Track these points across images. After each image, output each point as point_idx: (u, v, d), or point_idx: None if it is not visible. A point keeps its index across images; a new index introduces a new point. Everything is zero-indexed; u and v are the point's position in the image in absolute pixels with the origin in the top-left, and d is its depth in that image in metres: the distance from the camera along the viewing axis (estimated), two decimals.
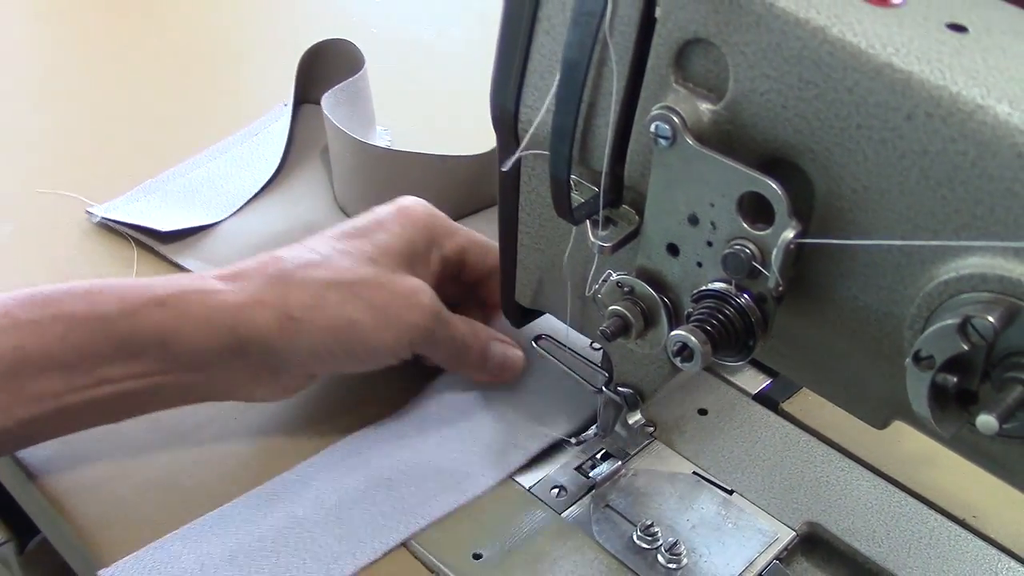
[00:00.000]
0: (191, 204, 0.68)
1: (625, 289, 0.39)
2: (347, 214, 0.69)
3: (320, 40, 0.74)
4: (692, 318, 0.36)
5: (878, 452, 0.54)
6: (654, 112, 0.35)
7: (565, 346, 0.49)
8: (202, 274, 0.49)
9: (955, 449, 0.35)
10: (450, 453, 0.51)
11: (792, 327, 0.37)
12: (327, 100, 0.69)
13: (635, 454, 0.53)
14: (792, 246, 0.33)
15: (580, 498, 0.51)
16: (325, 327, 0.47)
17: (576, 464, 0.53)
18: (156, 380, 0.46)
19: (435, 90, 0.85)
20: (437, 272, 0.53)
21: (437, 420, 0.53)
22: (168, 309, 0.45)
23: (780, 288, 0.34)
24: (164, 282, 0.48)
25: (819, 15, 0.33)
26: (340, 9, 0.96)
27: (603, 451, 0.53)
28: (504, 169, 0.41)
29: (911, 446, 0.53)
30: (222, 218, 0.67)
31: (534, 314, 0.50)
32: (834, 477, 0.53)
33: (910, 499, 0.51)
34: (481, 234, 0.56)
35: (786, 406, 0.57)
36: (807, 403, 0.56)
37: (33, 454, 0.51)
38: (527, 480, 0.52)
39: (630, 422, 0.51)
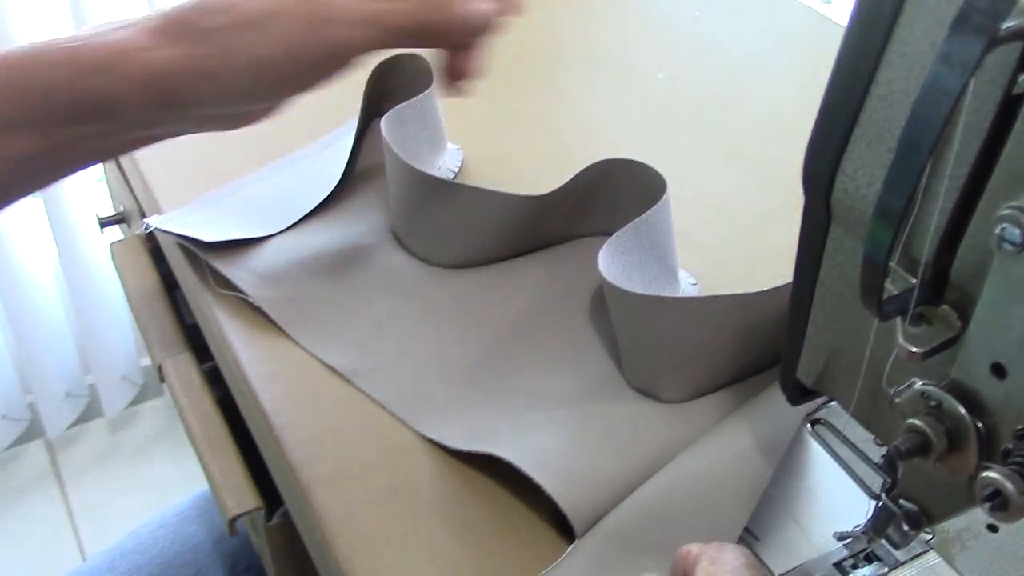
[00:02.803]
0: (247, 217, 0.66)
1: (931, 403, 0.34)
2: (399, 240, 0.65)
3: (392, 55, 0.69)
4: (1011, 458, 0.30)
5: None
6: (1004, 211, 0.30)
7: (844, 437, 0.44)
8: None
9: None
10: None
11: None
12: (388, 120, 0.65)
13: (905, 562, 0.47)
14: None
15: None
16: (239, 71, 0.43)
17: (836, 560, 0.47)
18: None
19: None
20: None
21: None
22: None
23: None
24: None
25: None
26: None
27: (868, 551, 0.48)
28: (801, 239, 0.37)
29: None
30: (274, 232, 0.65)
31: (814, 393, 0.45)
32: None
33: None
34: None
35: None
36: None
37: (294, 439, 0.53)
38: (778, 566, 0.47)
39: (905, 527, 0.45)
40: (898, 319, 0.34)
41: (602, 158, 0.62)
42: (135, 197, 0.77)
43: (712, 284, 0.63)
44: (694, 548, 0.42)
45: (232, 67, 0.42)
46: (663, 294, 0.58)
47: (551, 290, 0.62)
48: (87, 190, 1.42)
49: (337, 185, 0.69)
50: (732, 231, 0.68)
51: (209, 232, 0.63)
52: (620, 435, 0.52)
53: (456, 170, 0.71)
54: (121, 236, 0.89)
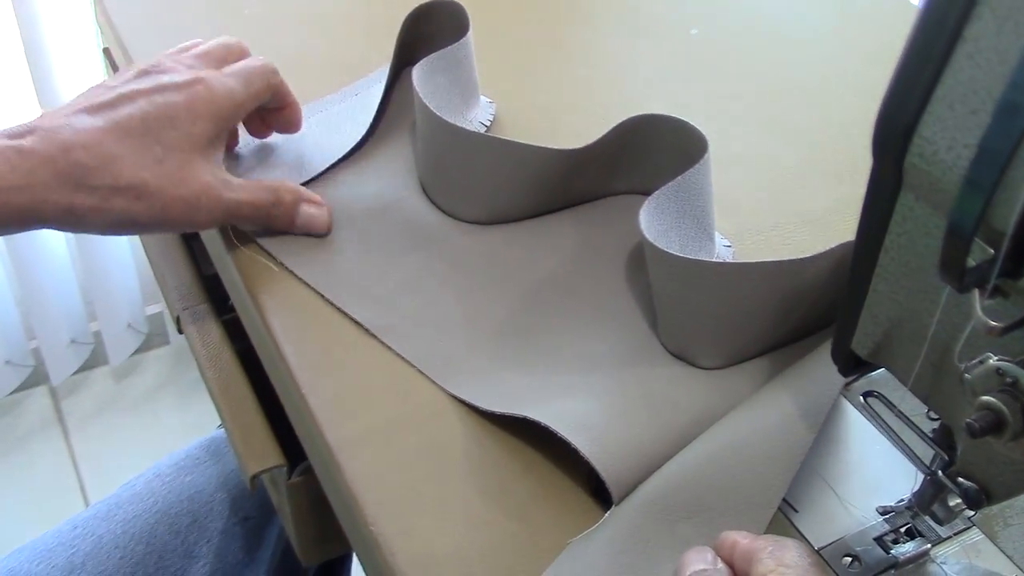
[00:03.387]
0: (272, 165, 0.64)
1: (1007, 379, 0.32)
2: (428, 195, 0.63)
3: (427, 2, 0.67)
4: None
5: None
6: None
7: (900, 411, 0.42)
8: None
9: None
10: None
11: None
12: (419, 70, 0.63)
13: (948, 538, 0.46)
14: None
15: None
16: (108, 224, 0.52)
17: (877, 534, 0.46)
18: None
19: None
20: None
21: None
22: None
23: None
24: None
25: None
26: None
27: (910, 526, 0.47)
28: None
29: None
30: (300, 182, 0.62)
31: (866, 365, 0.43)
32: None
33: None
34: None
35: None
36: None
37: (321, 397, 0.51)
38: (817, 539, 0.46)
39: (950, 503, 0.44)
40: (977, 297, 0.33)
41: (626, 113, 0.60)
42: None
43: (745, 249, 0.61)
44: (740, 539, 0.40)
45: (103, 220, 0.52)
46: (700, 256, 0.56)
47: (584, 248, 0.61)
48: None
49: (366, 134, 0.66)
50: (766, 195, 0.66)
51: None
52: (657, 401, 0.51)
53: (488, 124, 0.68)
54: None
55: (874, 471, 0.49)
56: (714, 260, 0.55)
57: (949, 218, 0.31)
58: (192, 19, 0.79)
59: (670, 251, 0.51)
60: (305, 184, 0.62)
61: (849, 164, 0.69)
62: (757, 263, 0.50)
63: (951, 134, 0.33)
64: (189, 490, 0.71)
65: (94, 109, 0.52)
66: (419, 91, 0.61)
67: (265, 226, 0.58)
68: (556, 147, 0.59)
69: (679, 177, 0.55)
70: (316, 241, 0.59)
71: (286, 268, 0.58)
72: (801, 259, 0.50)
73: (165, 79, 0.54)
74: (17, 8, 1.26)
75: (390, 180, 0.64)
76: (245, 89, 0.57)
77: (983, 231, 0.33)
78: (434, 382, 0.53)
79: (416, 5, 0.67)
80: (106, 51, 0.86)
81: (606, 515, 0.46)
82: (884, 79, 0.82)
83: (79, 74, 1.35)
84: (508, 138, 0.59)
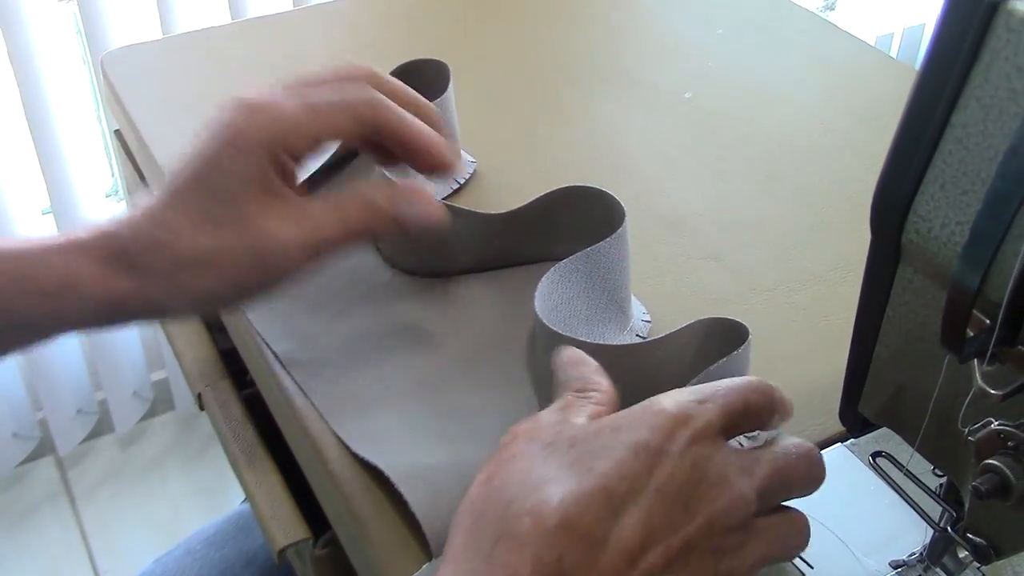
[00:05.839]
0: None
1: (1009, 444, 0.34)
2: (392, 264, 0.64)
3: (409, 60, 0.69)
4: None
5: None
6: None
7: (908, 471, 0.44)
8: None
9: None
10: None
11: None
12: None
13: None
14: None
15: None
16: (188, 303, 0.48)
17: None
18: None
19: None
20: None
21: None
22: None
23: None
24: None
25: None
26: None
27: None
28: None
29: None
30: None
31: (873, 425, 0.45)
32: None
33: None
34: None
35: None
36: None
37: (350, 472, 0.53)
38: None
39: (960, 555, 0.46)
40: (976, 365, 0.35)
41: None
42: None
43: (750, 309, 0.63)
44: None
45: (182, 300, 0.47)
46: (608, 327, 0.57)
47: (511, 308, 0.62)
48: (98, 204, 1.43)
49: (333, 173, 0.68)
50: (768, 254, 0.68)
51: None
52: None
53: (462, 181, 0.70)
54: None
55: (885, 525, 0.50)
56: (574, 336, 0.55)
57: (948, 293, 0.33)
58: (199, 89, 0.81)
59: (550, 324, 0.52)
60: None
61: (848, 221, 0.71)
62: (610, 345, 0.52)
63: (944, 212, 0.36)
64: (220, 566, 0.72)
65: None
66: None
67: (359, 236, 0.51)
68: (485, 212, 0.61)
69: (589, 248, 0.57)
70: None
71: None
72: (649, 342, 0.53)
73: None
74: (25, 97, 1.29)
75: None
76: (308, 116, 0.48)
77: (979, 303, 0.35)
78: (322, 415, 0.55)
79: (399, 62, 0.69)
80: (117, 133, 0.88)
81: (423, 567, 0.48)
82: (873, 135, 0.84)
83: (85, 157, 1.38)
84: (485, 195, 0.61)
